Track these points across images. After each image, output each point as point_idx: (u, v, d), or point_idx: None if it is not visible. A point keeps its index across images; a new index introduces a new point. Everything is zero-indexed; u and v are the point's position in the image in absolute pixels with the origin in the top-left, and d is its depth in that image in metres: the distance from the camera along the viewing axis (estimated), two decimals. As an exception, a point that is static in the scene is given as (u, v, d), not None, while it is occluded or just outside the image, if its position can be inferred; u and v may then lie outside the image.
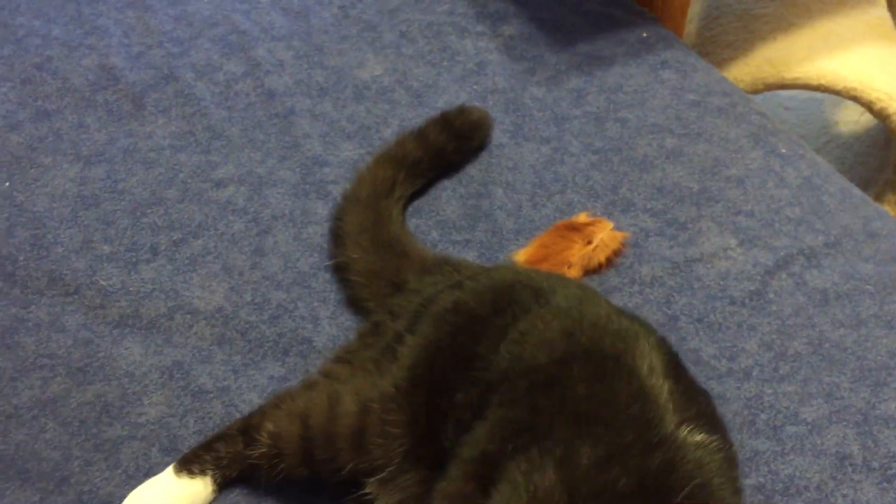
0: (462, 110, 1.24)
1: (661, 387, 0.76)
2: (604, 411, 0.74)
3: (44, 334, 1.03)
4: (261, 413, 0.91)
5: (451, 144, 1.20)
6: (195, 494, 0.89)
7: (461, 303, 0.90)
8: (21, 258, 1.10)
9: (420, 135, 1.20)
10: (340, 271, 1.10)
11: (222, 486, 0.91)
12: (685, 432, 0.73)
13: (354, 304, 1.08)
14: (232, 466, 0.90)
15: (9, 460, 0.92)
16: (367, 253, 1.08)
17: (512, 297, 0.89)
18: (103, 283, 1.08)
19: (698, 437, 0.73)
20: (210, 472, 0.89)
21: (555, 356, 0.80)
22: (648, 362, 0.78)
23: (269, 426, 0.88)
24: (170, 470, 0.90)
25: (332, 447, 0.85)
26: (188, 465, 0.90)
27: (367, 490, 0.85)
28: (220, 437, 0.91)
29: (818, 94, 1.97)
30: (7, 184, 1.18)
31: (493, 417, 0.78)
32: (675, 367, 0.81)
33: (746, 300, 1.09)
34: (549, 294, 0.89)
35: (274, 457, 0.86)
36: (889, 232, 1.18)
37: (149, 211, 1.16)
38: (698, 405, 0.78)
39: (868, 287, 1.10)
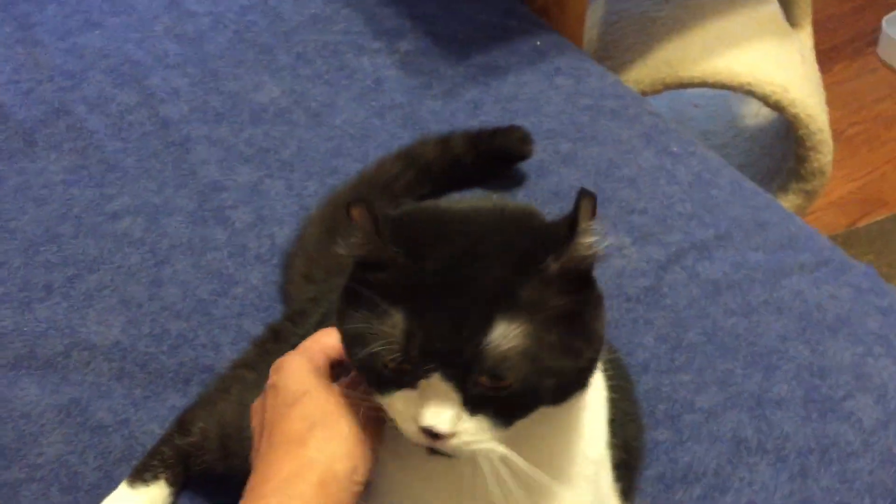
0: (502, 130, 1.23)
1: None
2: None
3: (-66, 382, 1.00)
4: (191, 412, 0.95)
5: (471, 157, 1.20)
6: (153, 500, 0.91)
7: None
8: None
9: (443, 139, 1.20)
10: (298, 243, 1.13)
11: (178, 487, 0.93)
12: None
13: (282, 291, 1.10)
14: (177, 462, 0.93)
15: None
16: (321, 232, 1.10)
17: None
18: (-4, 325, 1.06)
19: None
20: (162, 475, 0.92)
21: None
22: None
23: (199, 422, 0.93)
24: (124, 485, 0.92)
25: (244, 453, 0.87)
26: (140, 474, 0.92)
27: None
28: (160, 441, 0.95)
29: (724, 91, 2.03)
30: None
31: None
32: None
33: (642, 296, 1.11)
34: None
35: (201, 448, 0.91)
36: (777, 221, 1.22)
37: (42, 248, 1.14)
38: None
39: (758, 275, 1.13)
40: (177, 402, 1.00)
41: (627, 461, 0.78)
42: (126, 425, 0.98)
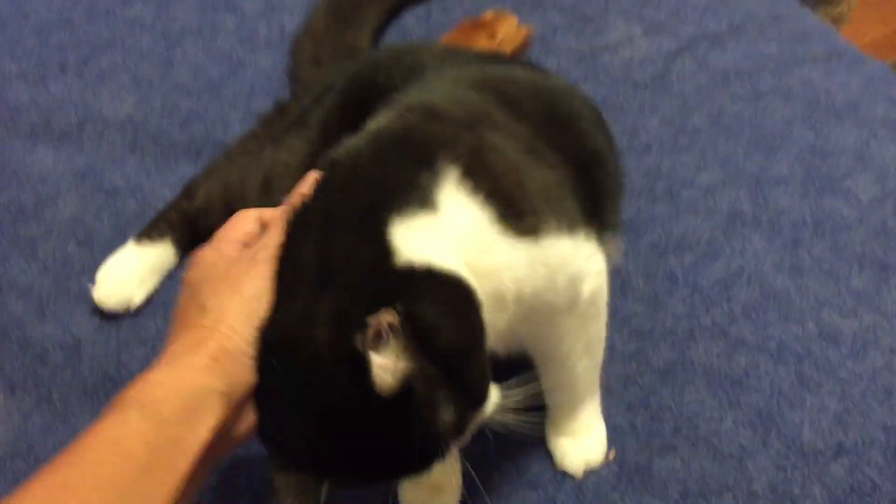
0: None
1: None
2: None
3: (-45, 148, 1.04)
4: (196, 179, 0.98)
5: None
6: (159, 256, 0.95)
7: (361, 70, 0.92)
8: (-71, 80, 1.10)
9: None
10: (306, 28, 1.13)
11: (183, 251, 0.96)
12: None
13: (290, 75, 1.12)
14: (183, 225, 0.96)
15: (-73, 259, 0.95)
16: (329, 18, 1.11)
17: (410, 55, 0.90)
18: (13, 99, 1.09)
19: None
20: (168, 236, 0.96)
21: None
22: None
23: (204, 188, 0.96)
24: (131, 241, 0.96)
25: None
26: (147, 233, 0.96)
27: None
28: (168, 206, 0.98)
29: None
30: (-88, 12, 1.17)
31: None
32: None
33: (649, 82, 1.11)
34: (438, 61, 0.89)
35: (206, 211, 0.95)
36: (793, 15, 1.20)
37: (56, 31, 1.16)
38: None
39: (768, 64, 1.12)
40: (188, 171, 1.03)
41: (604, 184, 0.78)
42: (139, 190, 1.02)
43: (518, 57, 1.14)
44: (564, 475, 0.81)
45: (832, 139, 1.04)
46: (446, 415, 0.55)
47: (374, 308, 0.52)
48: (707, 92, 1.10)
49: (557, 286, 0.64)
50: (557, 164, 0.68)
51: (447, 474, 0.80)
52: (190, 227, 0.97)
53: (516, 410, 0.62)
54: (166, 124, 1.08)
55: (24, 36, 1.15)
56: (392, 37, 1.17)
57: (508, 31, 1.13)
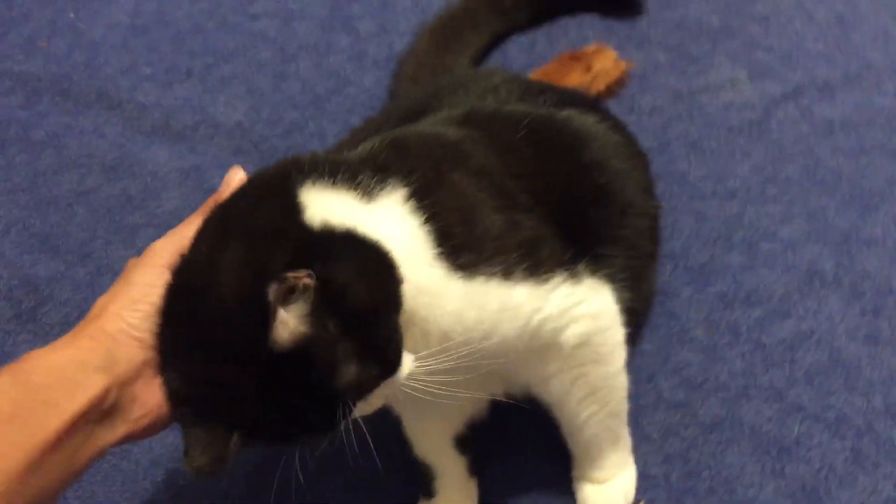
0: None
1: None
2: None
3: (86, 139, 1.15)
4: None
5: None
6: None
7: (422, 97, 0.95)
8: (75, 76, 1.22)
9: None
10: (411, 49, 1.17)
11: None
12: None
13: (390, 92, 1.16)
14: None
15: (44, 237, 1.06)
16: (433, 41, 1.14)
17: (462, 88, 0.90)
18: (141, 98, 1.19)
19: None
20: None
21: None
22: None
23: None
24: None
25: None
26: None
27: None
28: None
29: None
30: (72, 14, 1.31)
31: None
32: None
33: (745, 128, 1.08)
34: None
35: None
36: (920, 69, 1.12)
37: (188, 39, 1.26)
38: None
39: (880, 119, 1.06)
40: (281, 178, 1.10)
41: (610, 222, 0.74)
42: (234, 192, 1.09)
43: (613, 92, 1.13)
44: (585, 519, 0.80)
45: (938, 204, 0.97)
46: (347, 374, 0.54)
47: (288, 262, 0.52)
48: (806, 143, 1.05)
49: (501, 332, 0.62)
50: (534, 206, 0.66)
51: (463, 501, 0.81)
52: None
53: (431, 374, 0.59)
54: (269, 132, 1.15)
55: (161, 42, 1.26)
56: (493, 63, 1.20)
57: (605, 66, 1.12)
